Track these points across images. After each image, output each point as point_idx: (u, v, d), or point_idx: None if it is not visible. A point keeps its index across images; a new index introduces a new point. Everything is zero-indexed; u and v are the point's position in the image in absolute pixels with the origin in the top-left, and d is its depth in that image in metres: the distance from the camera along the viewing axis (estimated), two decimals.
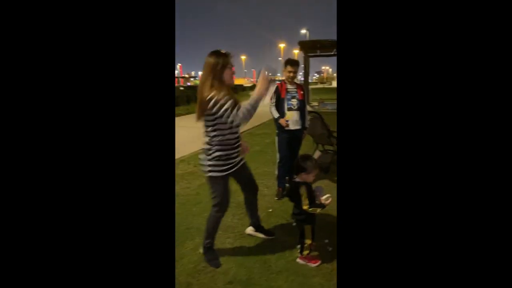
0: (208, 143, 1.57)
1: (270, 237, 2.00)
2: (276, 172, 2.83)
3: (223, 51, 1.57)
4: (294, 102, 2.59)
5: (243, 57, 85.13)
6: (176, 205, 2.53)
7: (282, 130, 2.62)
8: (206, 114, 1.50)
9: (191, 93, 13.52)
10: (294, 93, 2.61)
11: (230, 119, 1.45)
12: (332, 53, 10.78)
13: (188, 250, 1.87)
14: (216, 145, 1.54)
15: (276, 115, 2.59)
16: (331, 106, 10.52)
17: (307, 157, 1.69)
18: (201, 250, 1.79)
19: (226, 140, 1.55)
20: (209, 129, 1.54)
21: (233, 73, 1.61)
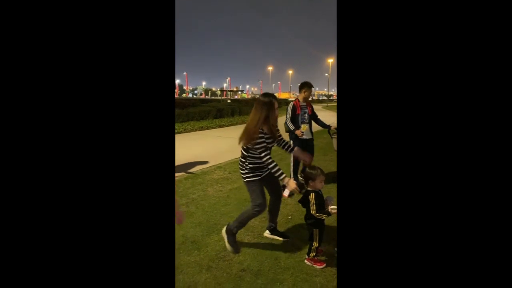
0: (243, 157, 1.98)
1: (285, 239, 2.24)
2: (291, 174, 3.52)
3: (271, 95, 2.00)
4: (306, 116, 3.40)
5: (290, 72, 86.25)
6: (207, 204, 2.94)
7: (296, 139, 3.36)
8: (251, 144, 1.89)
9: (236, 106, 14.33)
10: (305, 109, 3.40)
11: (261, 158, 1.88)
12: None
13: (213, 241, 2.21)
14: (249, 161, 1.95)
15: (292, 127, 3.33)
16: None
17: (312, 167, 1.92)
18: (223, 234, 2.08)
19: (257, 159, 1.93)
20: (245, 151, 1.95)
21: (277, 114, 1.98)
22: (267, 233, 2.30)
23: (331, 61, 51.65)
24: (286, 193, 1.87)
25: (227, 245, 2.04)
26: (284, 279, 1.77)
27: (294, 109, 3.39)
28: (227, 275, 1.81)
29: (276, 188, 2.17)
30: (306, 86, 3.42)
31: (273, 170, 1.87)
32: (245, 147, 1.93)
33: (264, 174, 2.00)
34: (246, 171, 1.96)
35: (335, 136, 3.74)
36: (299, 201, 1.97)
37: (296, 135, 3.36)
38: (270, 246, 2.16)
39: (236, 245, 2.04)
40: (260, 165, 1.94)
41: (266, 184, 2.08)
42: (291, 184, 1.87)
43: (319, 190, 1.89)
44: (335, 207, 1.85)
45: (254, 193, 1.97)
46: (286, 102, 25.42)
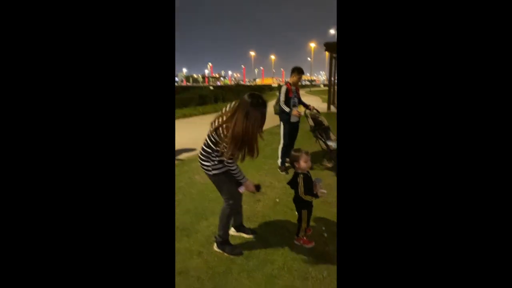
0: (209, 149, 1.70)
1: (251, 235, 2.06)
2: (279, 155, 3.59)
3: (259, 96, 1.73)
4: (296, 100, 3.44)
5: (272, 57, 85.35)
6: (195, 191, 2.91)
7: (287, 122, 3.43)
8: (220, 138, 1.62)
9: (219, 92, 14.09)
10: (295, 93, 3.44)
11: (229, 163, 1.69)
12: None
13: (202, 227, 2.21)
14: (217, 154, 1.69)
15: (288, 109, 3.35)
16: None
17: (297, 150, 1.94)
18: (215, 247, 1.89)
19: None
20: (214, 144, 1.67)
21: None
22: (232, 231, 2.08)
23: (313, 45, 51.58)
24: (241, 189, 1.86)
25: (230, 256, 1.85)
26: (274, 260, 1.81)
27: (287, 92, 3.40)
28: (218, 259, 1.83)
29: (237, 183, 1.89)
30: (296, 71, 3.45)
31: (238, 176, 1.76)
32: (213, 140, 1.66)
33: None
34: (213, 163, 1.73)
35: (311, 117, 3.82)
36: (288, 183, 1.99)
37: (288, 117, 3.42)
38: (259, 229, 2.19)
39: (237, 248, 1.90)
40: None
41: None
42: (249, 186, 1.79)
43: (307, 172, 1.91)
44: (324, 191, 1.88)
45: (224, 185, 1.81)
46: (269, 88, 25.28)
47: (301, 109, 3.52)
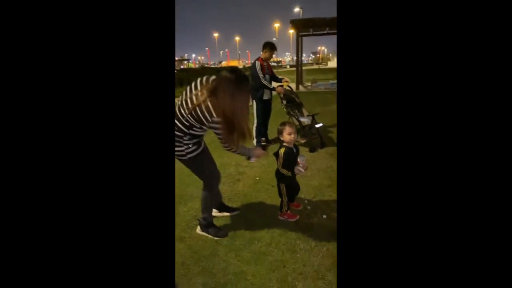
0: (181, 133, 1.53)
1: (235, 213, 2.03)
2: (254, 134, 3.50)
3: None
4: (268, 77, 3.33)
5: (237, 38, 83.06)
6: None
7: (260, 101, 3.35)
8: (199, 121, 1.46)
9: (184, 76, 13.41)
10: (267, 69, 3.33)
11: (226, 146, 1.55)
12: (325, 32, 10.69)
13: (181, 212, 2.09)
14: (190, 137, 1.56)
15: (271, 86, 3.27)
16: (324, 86, 10.61)
17: (283, 123, 1.88)
18: (199, 231, 1.82)
19: (199, 131, 1.55)
20: (187, 127, 1.51)
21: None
22: (215, 212, 1.98)
23: (277, 25, 51.03)
24: (252, 159, 1.79)
25: (215, 238, 1.77)
26: (261, 237, 1.77)
27: (262, 68, 3.25)
28: (202, 242, 1.74)
29: (212, 162, 1.80)
30: (267, 46, 3.28)
31: (245, 153, 1.65)
32: (187, 123, 1.49)
33: (203, 145, 1.71)
34: (186, 147, 1.56)
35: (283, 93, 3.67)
36: (274, 154, 1.93)
37: (261, 95, 3.33)
38: (243, 208, 2.13)
39: (221, 231, 1.81)
40: (200, 137, 1.62)
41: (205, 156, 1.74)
42: (258, 153, 1.70)
43: (293, 147, 1.86)
44: (301, 169, 1.83)
45: (200, 167, 1.67)
46: None
47: (286, 84, 3.47)
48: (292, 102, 3.68)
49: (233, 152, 1.61)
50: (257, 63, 3.27)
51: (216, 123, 1.44)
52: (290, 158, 1.83)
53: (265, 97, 3.38)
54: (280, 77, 3.61)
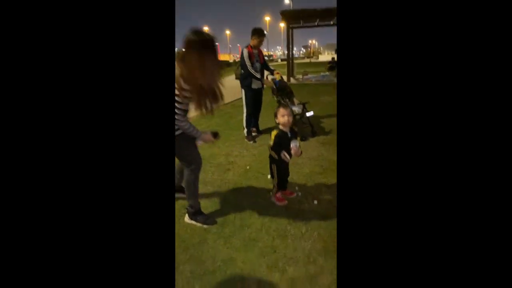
0: None
1: (210, 225, 1.74)
2: (244, 124, 3.43)
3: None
4: (258, 65, 3.22)
5: (227, 32, 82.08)
6: None
7: (248, 89, 3.25)
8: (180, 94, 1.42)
9: None
10: (257, 57, 3.22)
11: (182, 124, 1.49)
12: (316, 24, 10.62)
13: None
14: None
15: (259, 75, 3.18)
16: (315, 78, 10.59)
17: (279, 106, 1.83)
18: (187, 219, 1.76)
19: (178, 114, 1.47)
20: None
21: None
22: (186, 219, 1.78)
23: (268, 19, 50.60)
24: (199, 142, 1.70)
25: (203, 226, 1.70)
26: (251, 223, 1.73)
27: (250, 56, 3.17)
28: (191, 231, 1.69)
29: (194, 143, 1.72)
30: (256, 33, 3.19)
31: (192, 133, 1.55)
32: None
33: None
34: None
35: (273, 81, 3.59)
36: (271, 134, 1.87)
37: (249, 84, 3.24)
38: (232, 196, 2.08)
39: (210, 218, 1.75)
40: (181, 116, 1.50)
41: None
42: (206, 137, 1.60)
43: (288, 131, 1.81)
44: (287, 156, 1.77)
45: (183, 150, 1.60)
46: (227, 64, 24.47)
47: (278, 76, 3.40)
48: (283, 90, 3.63)
49: (183, 129, 1.52)
50: (245, 51, 3.18)
51: (188, 89, 1.40)
52: (281, 142, 1.78)
53: (254, 86, 3.28)
54: (272, 68, 3.54)
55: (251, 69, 3.16)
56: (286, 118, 1.76)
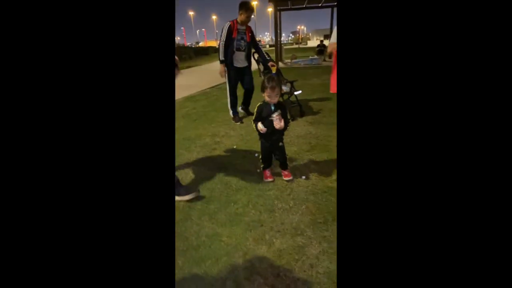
0: None
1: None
2: (229, 106, 3.30)
3: None
4: (242, 43, 2.99)
5: (214, 17, 79.65)
6: None
7: (230, 68, 3.04)
8: None
9: None
10: (243, 35, 2.99)
11: None
12: (304, 6, 10.39)
13: None
14: None
15: (222, 57, 2.98)
16: (303, 62, 10.46)
17: (266, 78, 1.72)
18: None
19: None
20: None
21: None
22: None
23: (255, 3, 49.32)
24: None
25: (186, 198, 1.63)
26: (238, 199, 1.67)
27: (230, 31, 2.92)
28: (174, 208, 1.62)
29: None
30: (243, 7, 2.90)
31: None
32: None
33: None
34: None
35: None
36: None
37: (231, 61, 3.00)
38: (219, 173, 2.01)
39: (191, 188, 1.69)
40: None
41: None
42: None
43: (272, 104, 1.71)
44: (262, 127, 1.69)
45: None
46: (214, 49, 23.83)
47: (274, 69, 3.10)
48: (269, 68, 3.51)
49: None
50: (226, 24, 2.95)
51: None
52: (261, 113, 1.71)
53: (237, 64, 3.04)
54: (265, 53, 3.24)
55: (222, 45, 2.93)
56: (269, 91, 1.66)
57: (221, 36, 2.98)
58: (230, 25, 2.93)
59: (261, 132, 1.71)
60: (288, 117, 1.75)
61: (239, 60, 3.06)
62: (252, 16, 3.21)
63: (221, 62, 3.03)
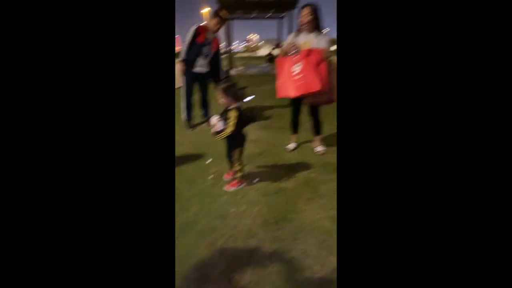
0: None
1: None
2: (181, 109, 3.16)
3: None
4: (209, 51, 2.93)
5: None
6: None
7: (188, 72, 2.96)
8: None
9: None
10: (210, 41, 2.92)
11: None
12: (252, 16, 10.70)
13: None
14: None
15: (181, 57, 2.89)
16: (255, 69, 10.74)
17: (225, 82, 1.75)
18: None
19: None
20: None
21: None
22: None
23: (207, 9, 49.04)
24: None
25: None
26: (190, 207, 1.62)
27: (195, 35, 2.80)
28: None
29: None
30: (214, 13, 2.87)
31: None
32: None
33: None
34: None
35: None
36: None
37: (190, 66, 2.88)
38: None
39: None
40: None
41: None
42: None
43: (234, 107, 1.71)
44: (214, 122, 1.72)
45: None
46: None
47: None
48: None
49: None
50: (192, 27, 2.84)
51: None
52: (222, 117, 1.74)
53: (199, 69, 2.94)
54: (224, 70, 3.21)
55: (184, 44, 2.84)
56: (219, 97, 1.71)
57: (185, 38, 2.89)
58: (196, 29, 2.83)
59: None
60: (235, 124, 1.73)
61: (202, 63, 2.95)
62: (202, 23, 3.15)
63: (181, 60, 2.88)
